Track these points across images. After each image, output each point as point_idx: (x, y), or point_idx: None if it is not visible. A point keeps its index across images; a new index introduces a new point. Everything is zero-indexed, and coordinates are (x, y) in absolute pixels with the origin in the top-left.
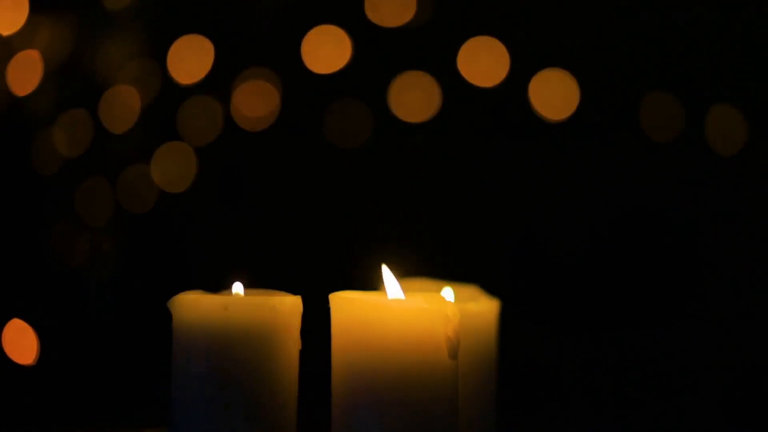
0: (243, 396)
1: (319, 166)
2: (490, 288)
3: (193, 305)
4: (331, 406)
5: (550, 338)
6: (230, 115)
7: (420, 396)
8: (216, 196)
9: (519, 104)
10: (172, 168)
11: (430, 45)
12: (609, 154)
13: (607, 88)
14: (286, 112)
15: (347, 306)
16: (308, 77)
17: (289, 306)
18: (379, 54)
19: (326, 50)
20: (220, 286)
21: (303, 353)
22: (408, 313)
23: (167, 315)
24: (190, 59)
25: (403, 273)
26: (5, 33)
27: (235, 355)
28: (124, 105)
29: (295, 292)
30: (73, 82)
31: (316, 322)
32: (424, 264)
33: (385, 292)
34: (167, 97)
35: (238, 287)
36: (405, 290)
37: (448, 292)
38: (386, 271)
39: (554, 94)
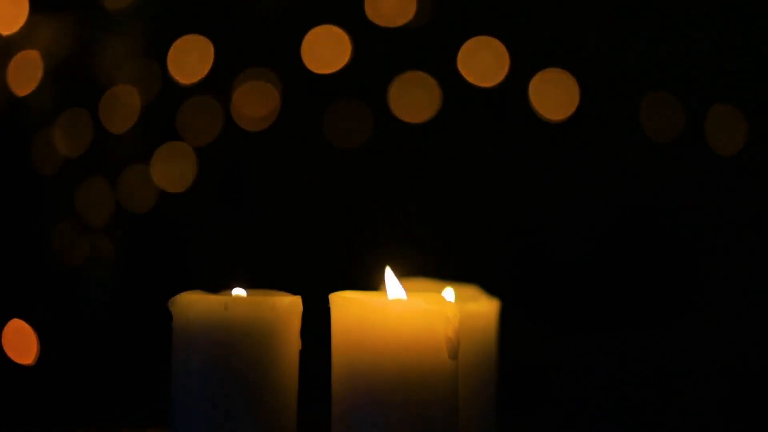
0: (243, 396)
1: (319, 166)
2: (490, 288)
3: (194, 305)
4: (331, 406)
5: (550, 338)
6: (230, 115)
7: (420, 396)
8: (216, 196)
9: (519, 104)
10: (172, 168)
11: (430, 45)
12: (609, 154)
13: (607, 88)
14: (286, 112)
15: (347, 306)
16: (308, 77)
17: (289, 306)
18: (379, 54)
19: (326, 50)
20: (220, 286)
21: (303, 353)
22: (408, 313)
23: (167, 315)
24: (190, 59)
25: (403, 273)
26: (5, 33)
27: (235, 355)
28: (124, 105)
29: (295, 292)
30: (73, 82)
31: (316, 322)
32: (425, 264)
33: (386, 292)
34: (167, 97)
35: (238, 292)
36: (405, 290)
37: (448, 293)
38: (389, 274)
39: (554, 94)
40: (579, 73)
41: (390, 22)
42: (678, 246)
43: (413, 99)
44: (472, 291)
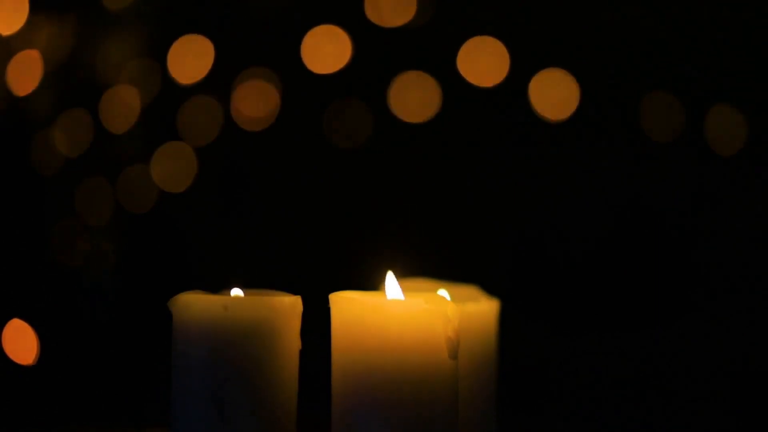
0: (243, 396)
1: (319, 166)
2: (490, 288)
3: (193, 305)
4: (331, 406)
5: (550, 338)
6: (230, 115)
7: (420, 396)
8: (216, 196)
9: (519, 104)
10: (172, 168)
11: (430, 45)
12: (609, 154)
13: (607, 88)
14: (286, 112)
15: (347, 306)
16: (308, 77)
17: (289, 306)
18: (379, 54)
19: (326, 50)
20: (220, 286)
21: (303, 353)
22: (408, 313)
23: (167, 315)
24: (190, 59)
25: (403, 273)
26: (5, 33)
27: (235, 355)
28: (124, 105)
29: (295, 292)
30: (73, 82)
31: (316, 322)
32: (424, 264)
33: (386, 293)
34: (167, 97)
35: (236, 292)
36: (405, 290)
37: (443, 293)
38: (391, 278)
39: (554, 94)
40: (579, 73)
41: (390, 22)
42: (678, 246)
43: (413, 99)
44: (472, 291)
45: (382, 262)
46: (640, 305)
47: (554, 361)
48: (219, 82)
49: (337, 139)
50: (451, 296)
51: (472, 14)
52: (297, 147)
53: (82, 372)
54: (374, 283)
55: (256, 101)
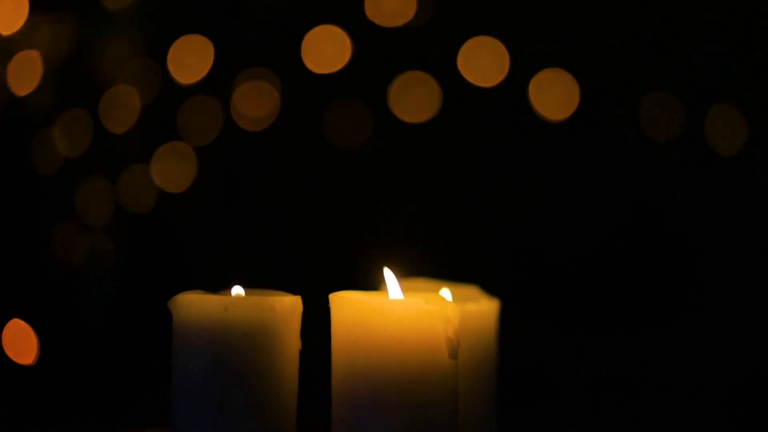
0: (243, 396)
1: (319, 166)
2: (490, 288)
3: (193, 305)
4: (331, 406)
5: (551, 338)
6: (230, 115)
7: (420, 396)
8: (216, 196)
9: (519, 104)
10: (172, 168)
11: (430, 45)
12: (609, 154)
13: (607, 88)
14: (286, 112)
15: (347, 306)
16: (308, 77)
17: (289, 306)
18: (379, 54)
19: (326, 50)
20: (220, 286)
21: (303, 353)
22: (408, 313)
23: (167, 315)
24: (190, 59)
25: (402, 273)
26: (5, 33)
27: (235, 355)
28: (124, 105)
29: (295, 292)
30: (73, 82)
31: (316, 322)
32: (424, 264)
33: (386, 292)
34: (167, 97)
35: (237, 290)
36: (405, 290)
37: (445, 293)
38: (388, 273)
39: (554, 94)
40: (579, 73)
41: (390, 22)
42: (678, 246)
43: (413, 99)
44: (471, 291)
45: (382, 262)
46: (640, 305)
47: (554, 361)
48: (219, 82)
49: (337, 139)
50: (451, 296)
51: (472, 14)
52: (297, 147)
53: (82, 372)
54: (374, 283)
55: (256, 101)
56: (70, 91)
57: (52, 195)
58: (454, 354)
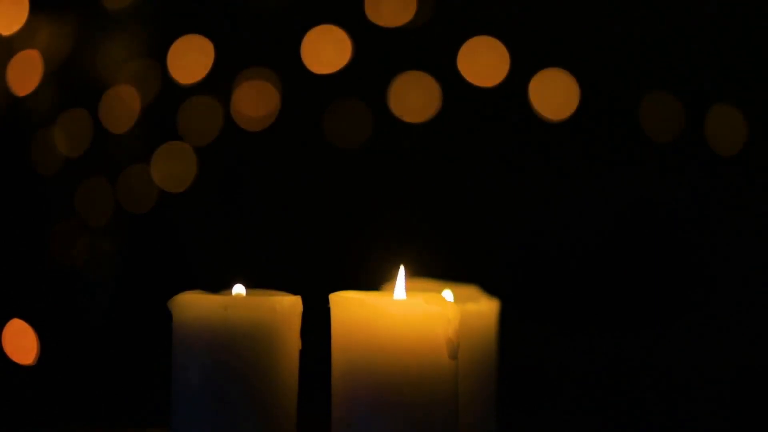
0: (243, 396)
1: (319, 166)
2: (490, 288)
3: (193, 305)
4: (331, 406)
5: (551, 338)
6: (230, 115)
7: (420, 396)
8: (216, 196)
9: (519, 104)
10: (172, 168)
11: (430, 45)
12: (609, 154)
13: (607, 88)
14: (286, 112)
15: (347, 306)
16: (308, 77)
17: (289, 306)
18: (379, 54)
19: (326, 50)
20: (220, 286)
21: (303, 353)
22: (408, 313)
23: (167, 315)
24: (190, 59)
25: (407, 274)
26: (5, 33)
27: (235, 355)
28: (124, 105)
29: (295, 292)
30: (73, 82)
31: (316, 322)
32: (425, 264)
33: (387, 291)
34: (167, 97)
35: (239, 288)
36: (407, 291)
37: (447, 294)
38: (401, 273)
39: (554, 94)
40: (579, 73)
41: (390, 22)
42: (678, 246)
43: (413, 99)
44: (472, 291)
45: (382, 262)
46: (640, 305)
47: (554, 361)
48: (219, 82)
49: (337, 139)
50: (452, 296)
51: (472, 14)
52: (297, 147)
53: (82, 372)
54: (375, 283)
55: (256, 101)
56: (70, 91)
57: (52, 195)
58: (454, 354)
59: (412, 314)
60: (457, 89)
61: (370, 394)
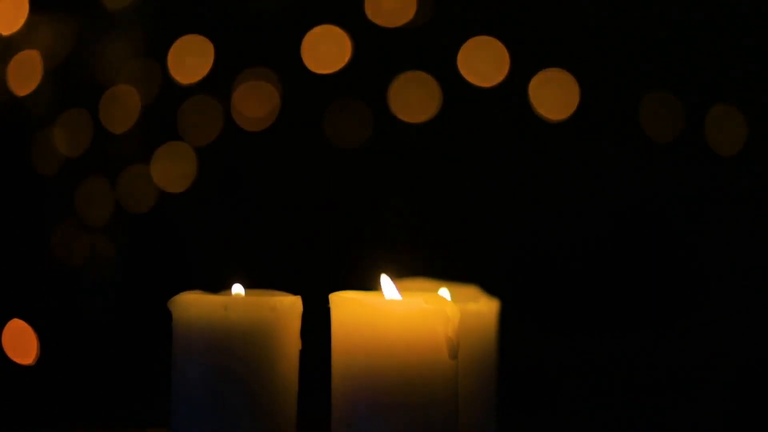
0: (243, 396)
1: (319, 166)
2: (490, 288)
3: (193, 305)
4: (331, 406)
5: (550, 338)
6: (230, 115)
7: (420, 396)
8: (216, 196)
9: (519, 104)
10: (172, 168)
11: (430, 45)
12: (609, 154)
13: (607, 88)
14: (286, 112)
15: (347, 306)
16: (308, 77)
17: (289, 306)
18: (379, 54)
19: (326, 50)
20: (220, 286)
21: (303, 353)
22: (408, 313)
23: (167, 315)
24: (190, 59)
25: (402, 273)
26: (5, 33)
27: (235, 355)
28: (124, 105)
29: (295, 292)
30: (73, 82)
31: (316, 322)
32: (424, 264)
33: (383, 293)
34: (167, 97)
35: (238, 288)
36: (404, 291)
37: (443, 292)
38: (385, 281)
39: (554, 94)
40: (579, 73)
41: (390, 22)
42: (678, 246)
43: (413, 99)
44: (472, 291)
45: (382, 262)
46: (640, 305)
47: (554, 361)
48: (219, 82)
49: (337, 139)
50: (451, 296)
51: (472, 14)
52: (297, 147)
53: (82, 372)
54: (374, 283)
55: (256, 101)
56: (70, 91)
57: (52, 195)
58: (454, 354)
59: (411, 314)
60: (457, 89)
61: (370, 394)
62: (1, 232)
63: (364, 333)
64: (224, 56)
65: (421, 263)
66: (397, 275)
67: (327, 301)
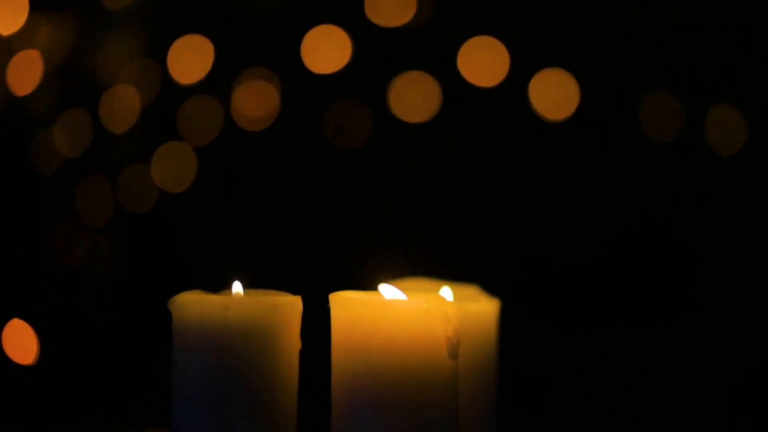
0: (243, 396)
1: (319, 166)
2: (490, 288)
3: (193, 305)
4: (331, 406)
5: (550, 338)
6: (230, 115)
7: (420, 396)
8: (216, 196)
9: (519, 104)
10: (172, 168)
11: (430, 45)
12: (609, 155)
13: (607, 88)
14: (286, 112)
15: (347, 306)
16: (308, 77)
17: (289, 306)
18: (379, 54)
19: (326, 50)
20: (220, 286)
21: (303, 353)
22: (408, 313)
23: (167, 315)
24: (190, 59)
25: (403, 273)
26: (5, 33)
27: (235, 355)
28: (124, 105)
29: (295, 292)
30: (73, 82)
31: (316, 322)
32: (425, 264)
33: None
34: (167, 97)
35: (237, 287)
36: (405, 291)
37: (446, 292)
38: (384, 287)
39: (554, 94)
40: (579, 73)
41: (390, 22)
42: (678, 246)
43: (413, 99)
44: (472, 291)
45: (382, 261)
46: (640, 305)
47: (554, 361)
48: (219, 82)
49: (337, 139)
50: (452, 296)
51: (472, 14)
52: (297, 147)
53: (82, 372)
54: (374, 283)
55: (256, 101)
56: (70, 91)
57: (52, 195)
58: (454, 354)
59: (411, 314)
60: (457, 89)
61: (370, 394)
62: (1, 232)
63: (364, 333)
64: (224, 56)
65: (421, 263)
66: (397, 275)
67: (327, 301)
